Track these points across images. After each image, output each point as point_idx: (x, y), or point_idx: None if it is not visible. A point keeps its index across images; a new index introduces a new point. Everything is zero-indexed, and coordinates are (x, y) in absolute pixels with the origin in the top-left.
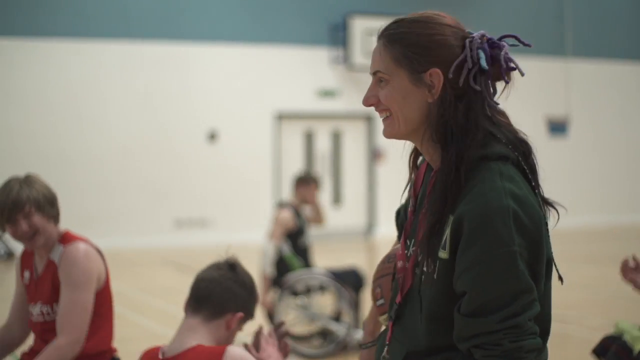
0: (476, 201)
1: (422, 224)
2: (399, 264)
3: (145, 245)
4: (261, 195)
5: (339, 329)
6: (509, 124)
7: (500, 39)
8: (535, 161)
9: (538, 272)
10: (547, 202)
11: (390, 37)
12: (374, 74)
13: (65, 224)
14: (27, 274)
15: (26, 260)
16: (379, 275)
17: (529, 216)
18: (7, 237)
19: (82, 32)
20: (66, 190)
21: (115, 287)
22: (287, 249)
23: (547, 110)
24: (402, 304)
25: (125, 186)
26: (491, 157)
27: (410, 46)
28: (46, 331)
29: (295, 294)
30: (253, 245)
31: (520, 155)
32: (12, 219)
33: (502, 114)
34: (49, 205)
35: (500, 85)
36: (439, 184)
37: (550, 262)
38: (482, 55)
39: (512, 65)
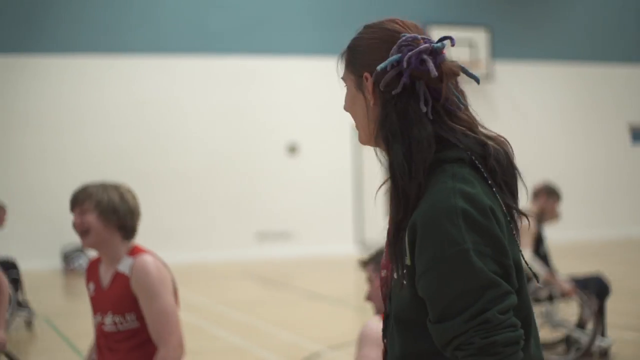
0: (426, 204)
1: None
2: (382, 273)
3: (228, 258)
4: (342, 208)
5: (582, 337)
6: (470, 127)
7: (439, 41)
8: (495, 164)
9: (507, 265)
10: (509, 206)
11: (349, 43)
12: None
13: (150, 238)
14: (91, 286)
15: (91, 273)
16: None
17: (481, 212)
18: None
19: (162, 47)
20: (149, 206)
21: (197, 300)
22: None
23: (630, 118)
24: (387, 313)
25: (208, 201)
26: (446, 160)
27: (352, 50)
28: (117, 341)
29: (537, 300)
30: (334, 258)
31: (478, 159)
32: (72, 209)
33: (461, 118)
34: (111, 212)
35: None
36: (390, 190)
37: (517, 263)
38: (407, 58)
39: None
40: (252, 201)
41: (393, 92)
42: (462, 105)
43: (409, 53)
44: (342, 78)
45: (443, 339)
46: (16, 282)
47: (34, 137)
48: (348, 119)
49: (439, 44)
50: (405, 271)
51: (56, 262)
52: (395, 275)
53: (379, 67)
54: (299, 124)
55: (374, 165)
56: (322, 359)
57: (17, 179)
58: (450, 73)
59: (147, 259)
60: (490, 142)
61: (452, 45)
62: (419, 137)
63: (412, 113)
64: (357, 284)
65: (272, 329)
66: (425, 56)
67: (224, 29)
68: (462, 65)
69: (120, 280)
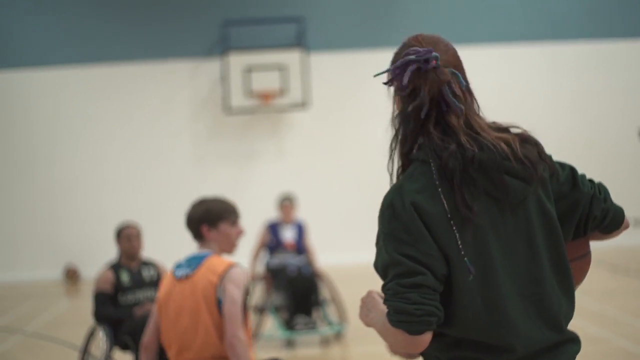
0: None
1: None
2: None
3: None
4: None
5: None
6: (455, 132)
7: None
8: (454, 166)
9: (425, 251)
10: (465, 204)
11: None
12: None
13: None
14: None
15: None
16: None
17: (402, 204)
18: None
19: (505, 36)
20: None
21: None
22: None
23: None
24: None
25: None
26: (413, 159)
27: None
28: None
29: None
30: None
31: (441, 160)
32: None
33: (450, 122)
34: None
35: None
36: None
37: (453, 255)
38: (392, 69)
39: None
40: None
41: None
42: (457, 109)
43: (394, 65)
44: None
45: None
46: None
47: None
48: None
49: (413, 57)
50: None
51: None
52: None
53: (373, 75)
54: None
55: None
56: None
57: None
58: (433, 81)
59: None
60: (470, 147)
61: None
62: (404, 144)
63: (408, 124)
64: None
65: (629, 318)
66: (409, 67)
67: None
68: (455, 71)
69: None
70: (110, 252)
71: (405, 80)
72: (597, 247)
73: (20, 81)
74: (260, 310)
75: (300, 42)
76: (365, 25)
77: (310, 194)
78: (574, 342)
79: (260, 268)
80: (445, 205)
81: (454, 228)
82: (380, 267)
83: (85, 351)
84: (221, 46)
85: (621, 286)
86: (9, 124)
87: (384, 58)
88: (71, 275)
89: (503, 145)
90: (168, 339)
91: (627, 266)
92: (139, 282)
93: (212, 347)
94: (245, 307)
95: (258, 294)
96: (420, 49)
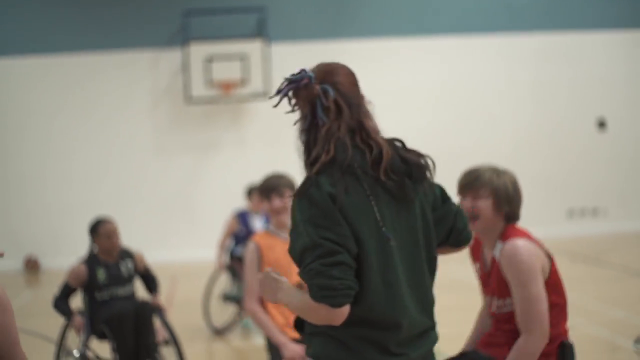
0: None
1: None
2: None
3: (538, 235)
4: None
5: None
6: (352, 137)
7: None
8: (359, 170)
9: (342, 233)
10: (374, 196)
11: None
12: None
13: None
14: (477, 266)
15: (475, 253)
16: None
17: (320, 194)
18: None
19: (464, 27)
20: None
21: None
22: None
23: None
24: None
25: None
26: (325, 161)
27: None
28: (499, 322)
29: None
30: None
31: (345, 160)
32: (463, 193)
33: (344, 135)
34: (504, 200)
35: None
36: None
37: (364, 237)
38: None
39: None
40: (562, 178)
41: None
42: (320, 120)
43: (278, 89)
44: None
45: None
46: None
47: None
48: None
49: (292, 76)
50: None
51: None
52: None
53: (269, 97)
54: (607, 99)
55: None
56: None
57: None
58: (306, 97)
59: (517, 243)
60: (366, 149)
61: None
62: (305, 142)
63: (301, 127)
64: None
65: (599, 306)
66: (291, 87)
67: (527, 5)
68: (326, 87)
69: (496, 265)
70: (72, 242)
71: (280, 98)
72: (556, 236)
73: None
74: (237, 300)
75: (261, 32)
76: (326, 16)
77: None
78: (434, 328)
79: (226, 258)
80: (358, 194)
81: (373, 204)
82: (299, 250)
83: (61, 344)
84: (182, 36)
85: (582, 274)
86: None
87: (344, 48)
88: (31, 266)
89: (390, 148)
90: None
91: (585, 254)
92: (116, 279)
93: None
94: None
95: (225, 284)
96: (297, 72)
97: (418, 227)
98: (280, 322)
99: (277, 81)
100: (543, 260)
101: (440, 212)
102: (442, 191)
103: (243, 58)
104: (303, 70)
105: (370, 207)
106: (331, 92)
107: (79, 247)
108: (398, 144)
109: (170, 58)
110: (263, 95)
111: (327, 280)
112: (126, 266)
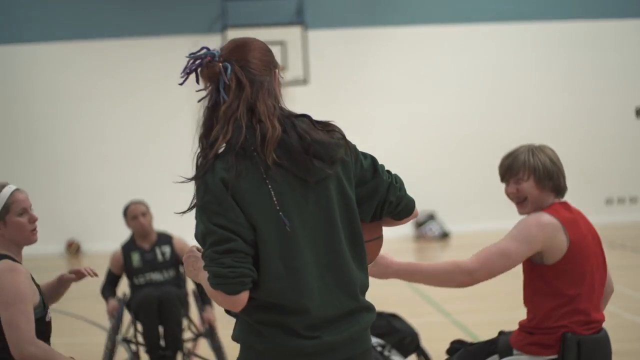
0: None
1: None
2: None
3: None
4: None
5: None
6: (250, 118)
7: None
8: (254, 152)
9: (234, 220)
10: (272, 179)
11: None
12: None
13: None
14: None
15: None
16: None
17: (213, 180)
18: (442, 218)
19: (501, 15)
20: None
21: None
22: None
23: None
24: None
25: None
26: (226, 144)
27: None
28: None
29: None
30: None
31: (245, 145)
32: (505, 179)
33: (243, 116)
34: (546, 178)
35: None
36: None
37: (260, 221)
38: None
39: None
40: (599, 166)
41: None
42: (221, 98)
43: (185, 66)
44: None
45: None
46: None
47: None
48: None
49: (193, 54)
50: None
51: (409, 228)
52: None
53: (179, 84)
54: None
55: None
56: None
57: None
58: (208, 74)
59: (535, 214)
60: (270, 129)
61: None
62: (205, 123)
63: (204, 106)
64: None
65: (638, 294)
66: (195, 65)
67: None
68: (227, 64)
69: None
70: (113, 227)
71: (183, 75)
72: (595, 224)
73: (21, 56)
74: None
75: (300, 19)
76: (363, 3)
77: None
78: (369, 310)
79: None
80: (253, 178)
81: (270, 187)
82: (200, 236)
83: (116, 329)
84: (221, 22)
85: (621, 262)
86: (10, 98)
87: (381, 35)
88: (73, 250)
89: (289, 127)
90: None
91: (623, 242)
92: (151, 264)
93: None
94: None
95: None
96: (199, 49)
97: (333, 207)
98: None
99: (315, 67)
100: (554, 239)
101: (369, 186)
102: (373, 164)
103: (281, 44)
104: (205, 48)
105: (267, 190)
106: (229, 69)
107: (120, 231)
108: (302, 122)
109: (209, 44)
110: (302, 81)
111: (220, 268)
112: (162, 251)
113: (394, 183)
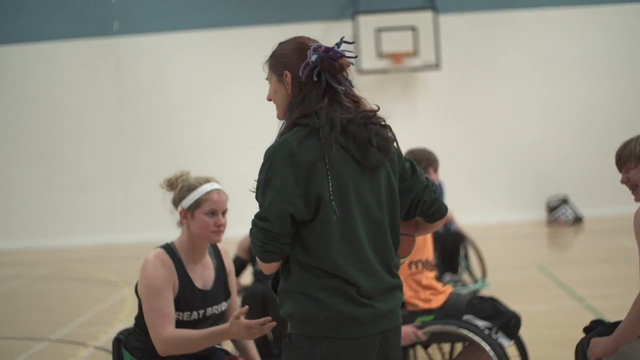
0: None
1: None
2: None
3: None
4: None
5: None
6: (331, 105)
7: (336, 45)
8: (332, 133)
9: (287, 195)
10: (330, 158)
11: (271, 54)
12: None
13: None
14: None
15: None
16: None
17: (281, 154)
18: (575, 202)
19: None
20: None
21: None
22: None
23: None
24: None
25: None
26: (299, 123)
27: (273, 58)
28: None
29: None
30: None
31: (317, 126)
32: (619, 169)
33: (339, 101)
34: None
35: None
36: None
37: (320, 196)
38: (313, 56)
39: (340, 60)
40: None
41: (306, 81)
42: (342, 89)
43: (323, 55)
44: (267, 78)
45: None
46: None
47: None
48: None
49: (336, 48)
50: None
51: (541, 213)
52: None
53: (302, 65)
54: None
55: None
56: None
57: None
58: (345, 65)
59: None
60: (340, 117)
61: (350, 42)
62: (301, 109)
63: (311, 94)
64: None
65: None
66: (330, 54)
67: None
68: (351, 61)
69: None
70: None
71: (314, 59)
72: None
73: (150, 45)
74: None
75: (431, 3)
76: None
77: (440, 155)
78: (401, 290)
79: None
80: (320, 156)
81: (328, 174)
82: (259, 205)
83: None
84: (352, 9)
85: None
86: (143, 88)
87: (512, 19)
88: None
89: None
90: None
91: None
92: None
93: None
94: None
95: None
96: (322, 45)
97: (382, 193)
98: (407, 294)
99: (447, 52)
100: None
101: (408, 184)
102: (412, 166)
103: (412, 29)
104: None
105: (332, 168)
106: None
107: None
108: (367, 116)
109: (340, 30)
110: (435, 66)
111: (255, 240)
112: None
113: (430, 186)
